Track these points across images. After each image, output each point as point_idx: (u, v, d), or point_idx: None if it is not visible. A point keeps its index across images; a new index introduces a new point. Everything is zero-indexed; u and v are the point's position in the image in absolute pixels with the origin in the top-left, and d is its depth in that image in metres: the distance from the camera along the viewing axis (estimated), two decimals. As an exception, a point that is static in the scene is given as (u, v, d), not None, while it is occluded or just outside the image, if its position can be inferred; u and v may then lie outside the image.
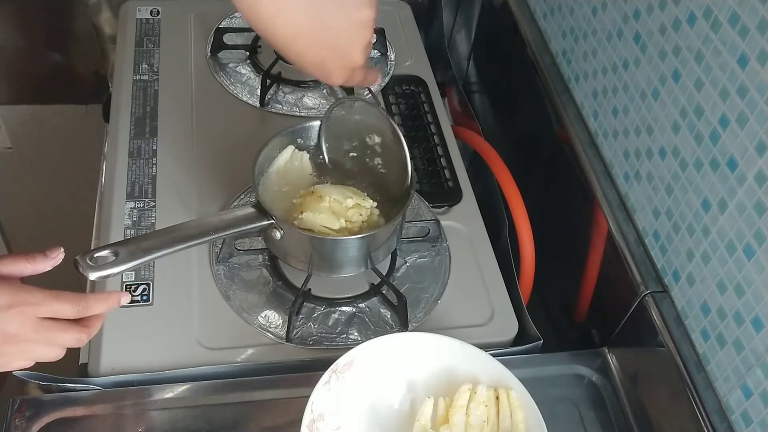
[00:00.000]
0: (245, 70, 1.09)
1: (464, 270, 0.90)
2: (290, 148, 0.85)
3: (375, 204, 0.83)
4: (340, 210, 0.80)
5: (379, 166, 0.87)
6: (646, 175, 0.82)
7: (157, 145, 0.97)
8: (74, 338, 0.62)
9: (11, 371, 0.73)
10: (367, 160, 0.87)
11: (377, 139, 0.85)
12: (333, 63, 0.67)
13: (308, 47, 0.65)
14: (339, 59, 0.67)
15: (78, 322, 0.63)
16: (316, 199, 0.80)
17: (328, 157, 0.87)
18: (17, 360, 0.61)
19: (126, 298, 0.67)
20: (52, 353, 0.62)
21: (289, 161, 0.85)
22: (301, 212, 0.79)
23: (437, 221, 0.92)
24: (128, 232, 0.88)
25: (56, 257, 0.63)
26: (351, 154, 0.88)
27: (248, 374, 0.78)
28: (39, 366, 0.74)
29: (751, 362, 0.66)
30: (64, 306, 0.61)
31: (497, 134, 1.20)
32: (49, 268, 0.63)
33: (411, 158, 0.81)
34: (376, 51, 1.14)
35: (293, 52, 0.66)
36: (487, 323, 0.85)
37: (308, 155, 0.86)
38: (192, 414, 0.74)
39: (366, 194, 0.84)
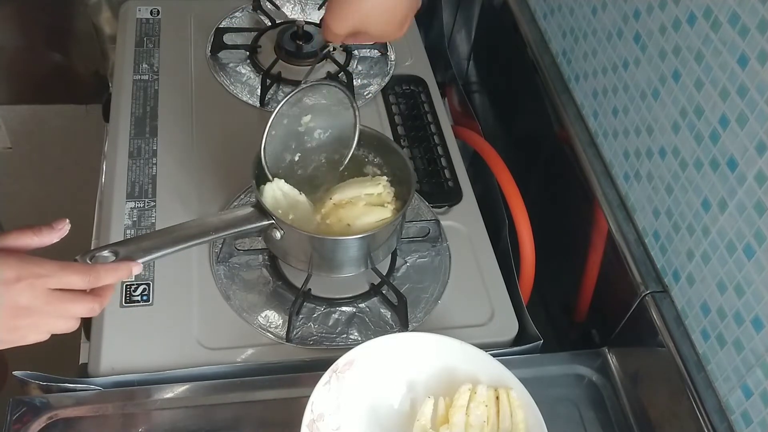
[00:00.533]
0: (245, 70, 1.09)
1: (464, 270, 0.90)
2: (268, 187, 0.80)
3: (385, 177, 0.84)
4: (378, 200, 0.81)
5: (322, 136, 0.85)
6: (646, 175, 0.82)
7: (157, 145, 0.98)
8: (87, 308, 0.61)
9: (13, 372, 0.73)
10: (311, 145, 0.85)
11: (307, 118, 0.83)
12: (410, 17, 0.77)
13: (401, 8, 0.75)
14: (412, 12, 0.77)
15: (89, 292, 0.62)
16: (348, 207, 0.80)
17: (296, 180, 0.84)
18: (32, 333, 0.60)
19: (138, 269, 0.66)
20: (66, 325, 0.61)
21: (272, 198, 0.80)
22: (348, 224, 0.79)
23: (437, 221, 0.92)
24: (128, 232, 0.88)
25: (62, 229, 0.63)
26: (296, 157, 0.85)
27: (248, 374, 0.78)
28: (39, 366, 0.74)
29: (751, 362, 0.66)
30: (74, 277, 0.60)
31: (497, 134, 1.20)
32: (56, 240, 0.63)
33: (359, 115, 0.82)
34: (376, 51, 1.14)
35: (391, 18, 0.74)
36: (487, 323, 0.85)
37: (281, 180, 0.81)
38: (192, 414, 0.74)
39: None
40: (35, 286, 0.58)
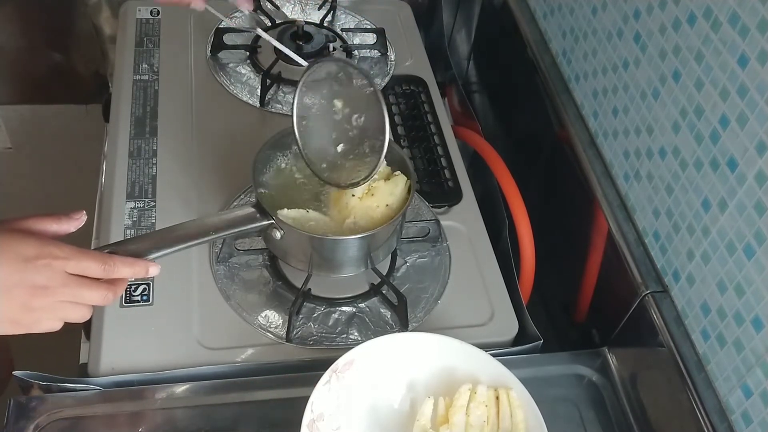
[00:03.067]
0: (245, 70, 1.09)
1: (464, 270, 0.90)
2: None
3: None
4: (385, 173, 0.82)
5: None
6: (646, 175, 0.82)
7: (157, 145, 0.98)
8: (101, 295, 0.62)
9: (15, 372, 0.73)
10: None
11: (339, 104, 0.82)
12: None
13: None
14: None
15: (103, 282, 0.63)
16: (375, 191, 0.80)
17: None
18: (47, 318, 0.60)
19: (154, 270, 0.67)
20: (80, 313, 0.62)
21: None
22: (387, 205, 0.80)
23: (437, 221, 0.92)
24: (128, 232, 0.88)
25: (79, 219, 0.64)
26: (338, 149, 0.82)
27: (248, 374, 0.78)
28: (39, 366, 0.74)
29: (751, 362, 0.66)
30: (92, 263, 0.61)
31: (497, 134, 1.20)
32: (73, 230, 0.64)
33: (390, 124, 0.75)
34: (376, 51, 1.14)
35: None
36: (487, 323, 0.85)
37: (284, 210, 0.79)
38: (192, 414, 0.74)
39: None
40: (53, 266, 0.59)
